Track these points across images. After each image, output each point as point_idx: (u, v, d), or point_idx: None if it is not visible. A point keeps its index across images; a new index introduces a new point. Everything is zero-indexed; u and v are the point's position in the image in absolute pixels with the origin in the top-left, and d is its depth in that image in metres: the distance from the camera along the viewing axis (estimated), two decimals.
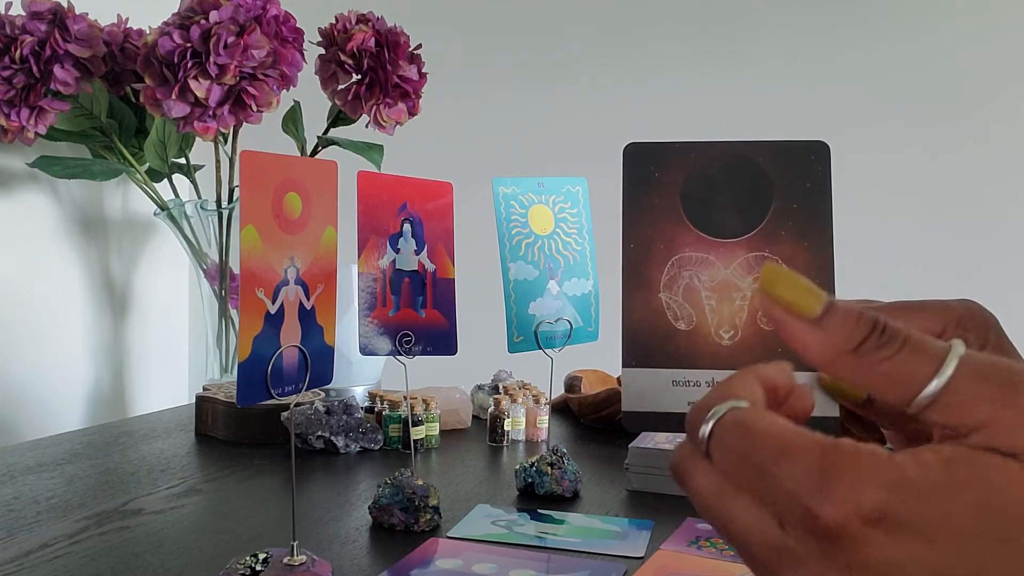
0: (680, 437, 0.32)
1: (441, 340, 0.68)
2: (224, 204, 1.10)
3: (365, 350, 0.63)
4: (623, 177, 0.40)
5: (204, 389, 0.99)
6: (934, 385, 0.27)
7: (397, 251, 0.65)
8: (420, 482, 0.64)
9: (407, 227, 0.66)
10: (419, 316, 0.66)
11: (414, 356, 0.66)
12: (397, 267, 0.65)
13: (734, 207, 0.40)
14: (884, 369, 0.28)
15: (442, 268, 0.68)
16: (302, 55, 1.01)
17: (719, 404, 0.30)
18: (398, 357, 0.65)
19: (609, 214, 1.32)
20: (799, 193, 0.40)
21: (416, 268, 0.66)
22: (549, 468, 0.73)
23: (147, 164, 1.12)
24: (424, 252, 0.67)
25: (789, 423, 0.28)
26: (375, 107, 1.05)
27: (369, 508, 0.65)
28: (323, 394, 1.00)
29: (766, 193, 0.40)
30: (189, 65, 0.92)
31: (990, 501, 0.25)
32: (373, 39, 1.04)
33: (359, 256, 0.63)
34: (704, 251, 0.39)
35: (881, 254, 1.26)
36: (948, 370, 0.27)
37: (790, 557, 0.27)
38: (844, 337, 0.28)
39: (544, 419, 0.94)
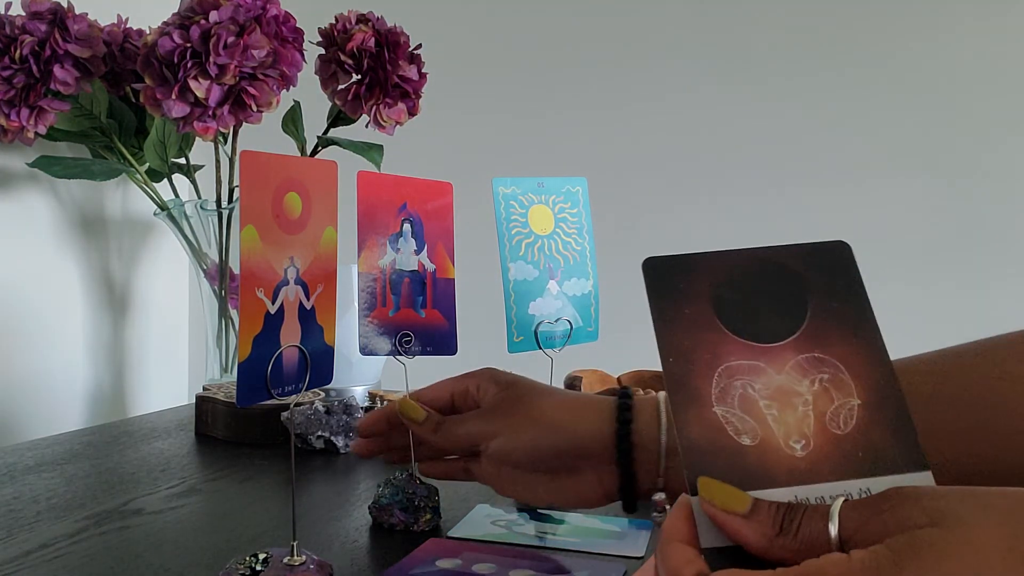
0: None
1: (441, 340, 0.68)
2: (224, 204, 1.10)
3: (365, 350, 0.63)
4: (647, 289, 0.38)
5: (204, 389, 0.99)
6: (833, 530, 0.32)
7: (397, 251, 0.65)
8: (420, 482, 0.64)
9: (407, 227, 0.65)
10: (419, 316, 0.66)
11: (414, 356, 0.66)
12: (397, 267, 0.65)
13: (771, 310, 0.38)
14: (801, 537, 0.32)
15: (442, 268, 0.68)
16: (302, 55, 1.01)
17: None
18: (398, 357, 0.65)
19: (609, 214, 1.32)
20: (834, 290, 0.38)
21: (416, 268, 0.66)
22: None
23: (147, 164, 1.12)
24: (424, 252, 0.67)
25: None
26: (375, 107, 1.05)
27: (369, 508, 0.65)
28: (323, 394, 1.00)
29: (799, 293, 0.38)
30: (189, 65, 0.92)
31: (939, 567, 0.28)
32: (373, 39, 1.04)
33: (359, 256, 0.63)
34: (752, 358, 0.37)
35: (882, 253, 1.26)
36: (834, 515, 0.32)
37: None
38: (769, 524, 0.33)
39: None
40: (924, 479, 0.34)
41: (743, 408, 0.35)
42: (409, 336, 0.65)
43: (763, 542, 0.33)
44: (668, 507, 0.37)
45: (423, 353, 0.67)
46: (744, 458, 0.35)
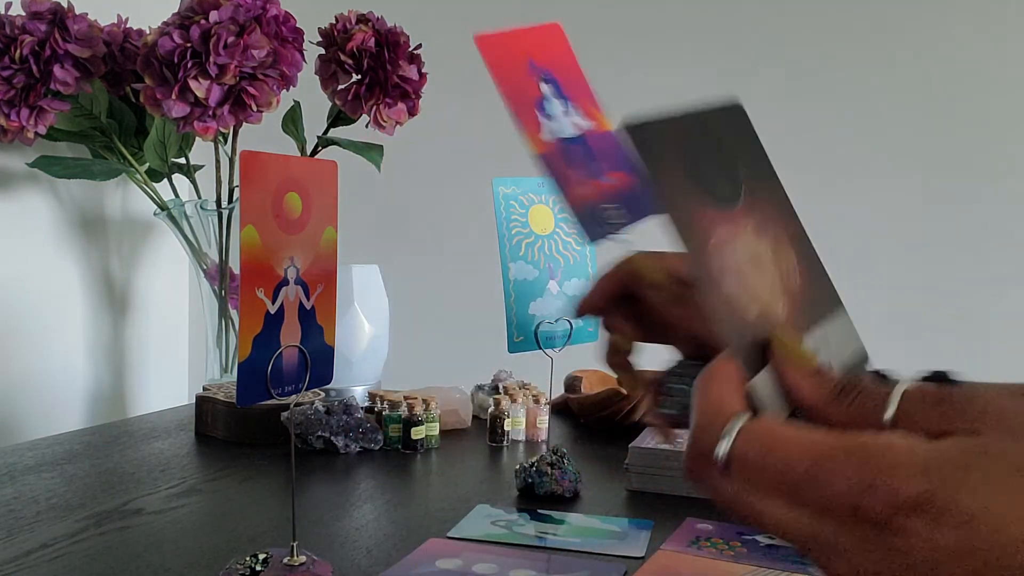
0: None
1: (638, 200, 0.53)
2: (224, 204, 1.10)
3: (594, 236, 0.53)
4: (641, 155, 0.34)
5: (204, 389, 0.99)
6: (890, 412, 0.33)
7: (549, 118, 0.53)
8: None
9: (546, 88, 0.54)
10: (608, 183, 0.53)
11: (625, 228, 0.52)
12: (558, 135, 0.53)
13: (719, 176, 0.36)
14: (855, 408, 0.34)
15: (598, 122, 0.55)
16: (302, 55, 1.01)
17: (726, 424, 0.32)
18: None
19: None
20: (748, 152, 0.38)
21: (575, 132, 0.54)
22: (549, 468, 0.73)
23: (147, 164, 1.12)
24: (574, 111, 0.53)
25: (803, 427, 0.31)
26: (375, 107, 1.05)
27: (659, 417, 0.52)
28: (323, 394, 1.00)
29: (731, 158, 0.37)
30: (189, 65, 0.92)
31: (1008, 481, 0.28)
32: (373, 39, 1.04)
33: (528, 136, 0.51)
34: (727, 224, 0.35)
35: (881, 254, 1.26)
36: (891, 407, 0.33)
37: (829, 547, 0.30)
38: (830, 387, 0.34)
39: (544, 419, 0.94)
40: (843, 314, 0.38)
41: (739, 282, 0.35)
42: (612, 207, 0.53)
43: (819, 401, 0.34)
44: None
45: (635, 220, 0.53)
46: (752, 328, 0.35)
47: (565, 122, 0.53)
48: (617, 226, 0.52)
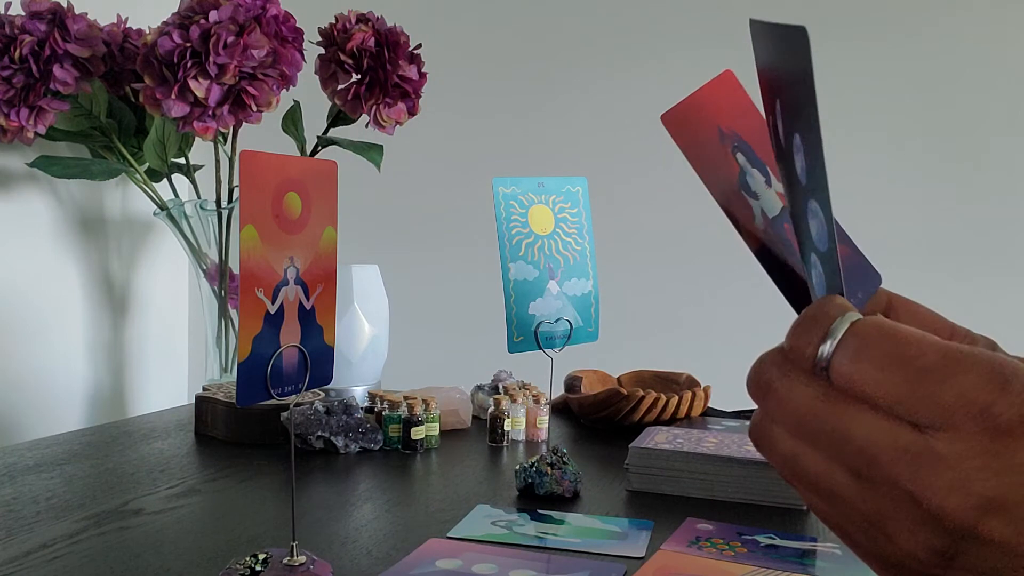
0: None
1: (863, 273, 0.44)
2: (224, 204, 1.10)
3: None
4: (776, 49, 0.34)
5: (204, 389, 0.99)
6: None
7: (754, 196, 0.44)
8: None
9: (741, 158, 0.45)
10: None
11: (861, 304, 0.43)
12: (768, 214, 0.43)
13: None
14: None
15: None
16: (302, 55, 1.01)
17: (838, 317, 0.29)
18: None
19: (608, 214, 1.32)
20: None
21: (781, 203, 0.43)
22: (549, 468, 0.73)
23: (147, 164, 1.12)
24: (771, 176, 0.43)
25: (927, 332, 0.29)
26: (375, 107, 1.05)
27: None
28: (323, 394, 1.00)
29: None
30: (189, 65, 0.92)
31: None
32: (373, 39, 1.04)
33: (743, 233, 0.43)
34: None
35: (879, 255, 1.26)
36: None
37: (932, 459, 0.27)
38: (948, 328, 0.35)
39: (544, 419, 0.94)
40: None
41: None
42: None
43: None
44: None
45: (861, 302, 0.42)
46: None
47: (770, 196, 0.43)
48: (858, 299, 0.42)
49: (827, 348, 0.29)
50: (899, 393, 0.28)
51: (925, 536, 0.28)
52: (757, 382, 0.31)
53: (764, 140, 0.43)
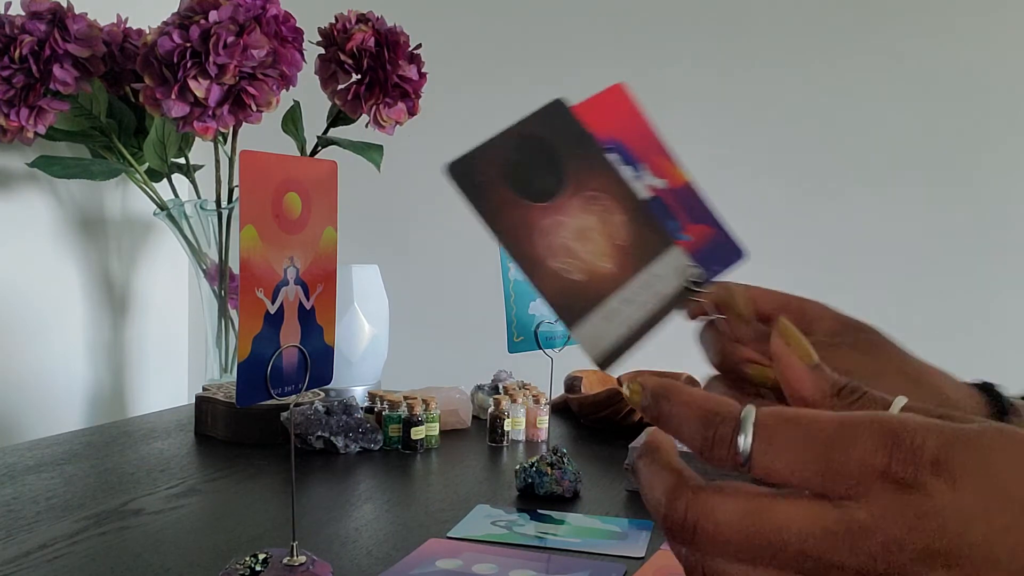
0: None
1: (722, 251, 0.55)
2: (224, 204, 1.10)
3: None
4: (464, 194, 0.45)
5: (204, 389, 0.99)
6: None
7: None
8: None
9: (612, 157, 0.53)
10: (687, 241, 0.54)
11: (710, 279, 0.51)
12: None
13: (544, 172, 0.46)
14: (856, 407, 0.33)
15: (671, 176, 0.55)
16: (302, 55, 1.01)
17: (738, 414, 0.31)
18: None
19: None
20: (571, 140, 0.47)
21: (648, 195, 0.53)
22: (549, 468, 0.73)
23: (146, 164, 1.12)
24: (643, 171, 0.54)
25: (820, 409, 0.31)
26: (375, 107, 1.05)
27: None
28: (323, 394, 1.00)
29: (553, 152, 0.46)
30: (189, 65, 0.92)
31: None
32: (373, 39, 1.04)
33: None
34: (551, 215, 0.45)
35: (879, 254, 1.26)
36: (897, 407, 0.32)
37: (858, 530, 0.28)
38: (829, 384, 0.34)
39: (544, 419, 0.94)
40: (677, 250, 0.47)
41: (565, 255, 0.45)
42: (691, 264, 0.51)
43: (819, 397, 0.34)
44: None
45: (716, 274, 0.53)
46: (584, 289, 0.45)
47: (637, 188, 0.51)
48: (699, 286, 0.49)
49: (744, 441, 0.30)
50: (814, 471, 0.29)
51: None
52: (677, 525, 0.31)
53: (640, 142, 0.56)
